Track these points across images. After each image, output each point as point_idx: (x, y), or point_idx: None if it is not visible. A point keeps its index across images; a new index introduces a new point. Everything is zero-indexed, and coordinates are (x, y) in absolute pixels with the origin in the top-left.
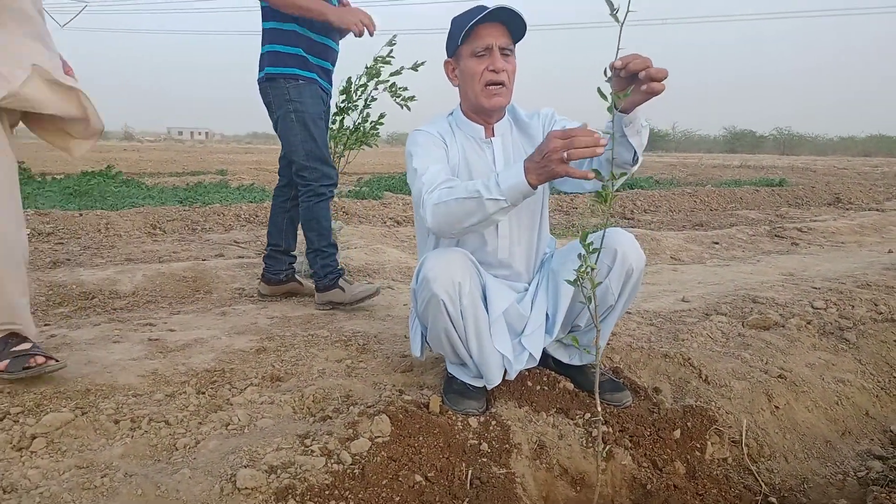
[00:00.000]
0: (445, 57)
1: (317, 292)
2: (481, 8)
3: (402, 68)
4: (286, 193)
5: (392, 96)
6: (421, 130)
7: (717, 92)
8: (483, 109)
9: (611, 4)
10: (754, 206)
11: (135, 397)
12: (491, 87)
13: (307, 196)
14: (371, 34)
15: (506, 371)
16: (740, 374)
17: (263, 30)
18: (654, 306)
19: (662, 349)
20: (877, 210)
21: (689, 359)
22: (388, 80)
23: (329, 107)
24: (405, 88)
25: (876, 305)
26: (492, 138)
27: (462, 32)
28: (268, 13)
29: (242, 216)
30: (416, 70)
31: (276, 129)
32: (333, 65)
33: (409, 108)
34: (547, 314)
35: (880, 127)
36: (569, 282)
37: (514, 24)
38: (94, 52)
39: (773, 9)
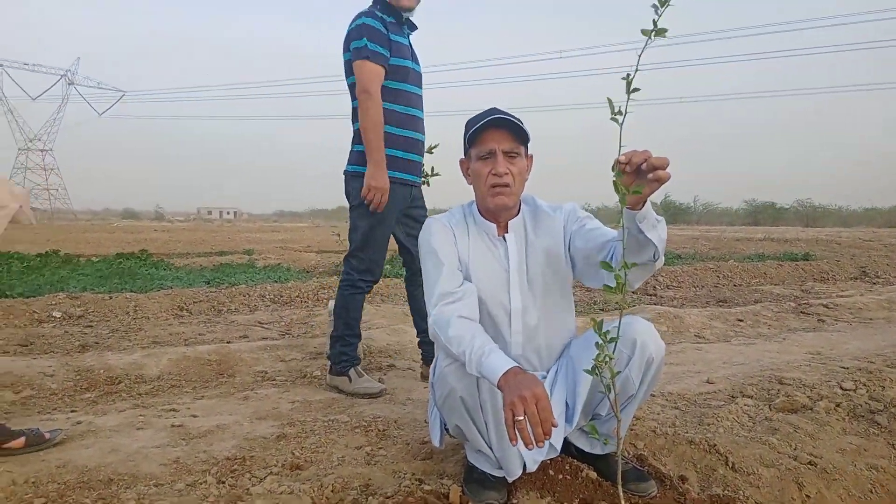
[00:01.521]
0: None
1: (328, 374)
2: (488, 112)
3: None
4: (417, 281)
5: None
6: (436, 220)
7: (737, 166)
8: (489, 210)
9: (612, 106)
10: (779, 282)
11: (156, 487)
12: (495, 189)
13: (345, 285)
14: (371, 211)
15: (525, 463)
16: (768, 461)
17: (354, 131)
18: (678, 388)
19: (688, 435)
20: None
21: (716, 445)
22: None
23: (413, 196)
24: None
25: None
26: (505, 235)
27: (471, 136)
28: (357, 115)
29: (267, 297)
30: (431, 153)
31: (349, 214)
32: (421, 154)
33: (429, 184)
34: (567, 403)
35: None
36: (587, 371)
37: (517, 129)
38: (130, 137)
39: (786, 87)
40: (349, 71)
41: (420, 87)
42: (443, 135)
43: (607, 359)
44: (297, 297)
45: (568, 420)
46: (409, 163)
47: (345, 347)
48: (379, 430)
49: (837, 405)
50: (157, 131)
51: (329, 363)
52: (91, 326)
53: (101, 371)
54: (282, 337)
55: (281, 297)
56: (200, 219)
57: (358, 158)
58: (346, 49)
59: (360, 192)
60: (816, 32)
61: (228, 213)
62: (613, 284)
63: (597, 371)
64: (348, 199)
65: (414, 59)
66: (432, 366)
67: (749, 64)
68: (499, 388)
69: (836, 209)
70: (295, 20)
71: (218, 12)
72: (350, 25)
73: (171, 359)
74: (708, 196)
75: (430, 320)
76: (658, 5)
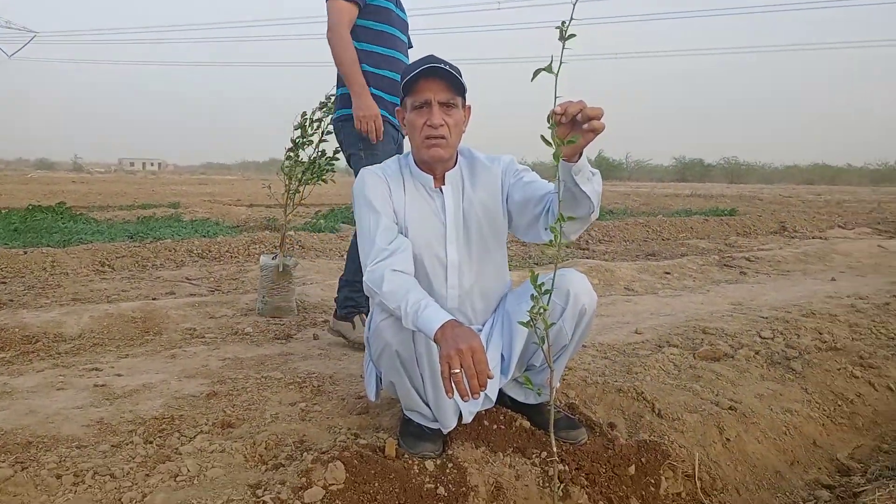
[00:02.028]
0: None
1: (332, 317)
2: (424, 60)
3: None
4: None
5: None
6: (370, 171)
7: (666, 123)
8: (424, 161)
9: (549, 69)
10: (704, 236)
11: (79, 449)
12: (430, 140)
13: None
14: (373, 140)
15: (461, 415)
16: (692, 407)
17: (338, 74)
18: (608, 339)
19: (616, 383)
20: (820, 238)
21: (643, 393)
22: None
23: (399, 144)
24: None
25: (820, 334)
26: (441, 187)
27: (405, 85)
28: None
29: (195, 252)
30: None
31: (348, 164)
32: None
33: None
34: (502, 354)
35: (822, 156)
36: (522, 323)
37: (454, 79)
38: (44, 82)
39: (715, 45)
40: None
41: (405, 35)
42: None
43: (541, 310)
44: (227, 252)
45: (503, 372)
46: (395, 105)
47: (353, 293)
48: (314, 387)
49: (756, 353)
50: (73, 76)
51: (335, 307)
52: (4, 283)
53: (16, 330)
54: (211, 293)
55: (209, 252)
56: (122, 170)
57: (344, 101)
58: None
59: (353, 135)
60: None
61: (152, 164)
62: (565, 240)
63: (531, 323)
64: (343, 148)
65: (398, 5)
66: (367, 320)
67: (678, 21)
68: (435, 341)
69: (759, 166)
70: None
71: None
72: None
73: (92, 316)
74: (639, 153)
75: (364, 275)
76: None
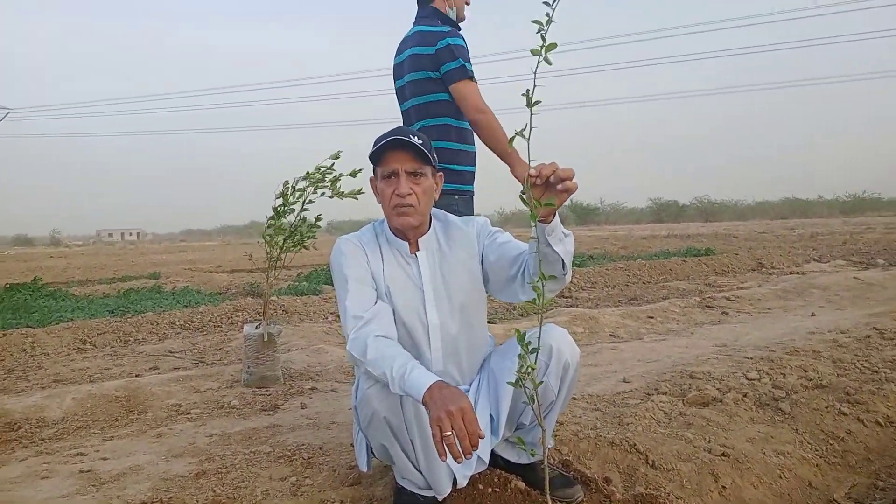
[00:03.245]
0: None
1: None
2: (391, 133)
3: (341, 175)
4: None
5: (337, 196)
6: (346, 240)
7: (638, 165)
8: (395, 228)
9: (522, 134)
10: (684, 277)
11: None
12: (399, 209)
13: None
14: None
15: (455, 479)
16: (685, 456)
17: (454, 150)
18: (597, 390)
19: (609, 436)
20: (797, 273)
21: (636, 444)
22: (327, 185)
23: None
24: (341, 192)
25: (805, 372)
26: (416, 253)
27: (372, 155)
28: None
29: (177, 323)
30: (354, 176)
31: None
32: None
33: (356, 198)
34: (491, 415)
35: (793, 190)
36: (511, 383)
37: (419, 150)
38: (19, 158)
39: (681, 88)
40: (424, 89)
41: None
42: None
43: (529, 369)
44: (210, 321)
45: (494, 432)
46: (473, 175)
47: None
48: (304, 459)
49: (744, 395)
50: (48, 151)
51: None
52: None
53: None
54: (195, 366)
55: (192, 322)
56: (101, 241)
57: (464, 178)
58: (427, 67)
59: (450, 207)
60: (699, 37)
61: (131, 234)
62: (531, 297)
63: (520, 382)
64: None
65: None
66: (353, 388)
67: (642, 69)
68: (423, 404)
69: (732, 204)
70: (199, 27)
71: (109, 20)
72: (434, 45)
73: (75, 398)
74: (613, 196)
75: (347, 344)
76: (542, 22)
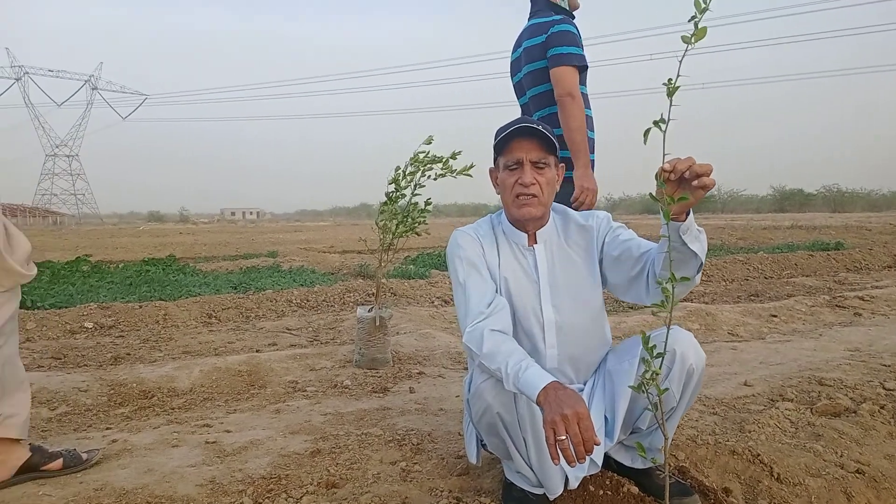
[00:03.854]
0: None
1: None
2: (516, 121)
3: (455, 154)
4: None
5: (451, 173)
6: (463, 232)
7: (760, 151)
8: (516, 219)
9: (659, 125)
10: (811, 272)
11: None
12: (521, 198)
13: None
14: (581, 207)
15: (567, 479)
16: (814, 471)
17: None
18: (716, 392)
19: (729, 443)
20: None
21: (759, 455)
22: (436, 167)
23: None
24: (457, 171)
25: None
26: (534, 245)
27: (497, 145)
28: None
29: (294, 301)
30: (455, 158)
31: None
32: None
33: (470, 176)
34: (605, 417)
35: None
36: (633, 388)
37: (546, 138)
38: (154, 141)
39: (800, 71)
40: (540, 78)
41: None
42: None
43: (654, 375)
44: (324, 301)
45: (608, 434)
46: (593, 164)
47: None
48: (413, 445)
49: (882, 407)
50: (180, 134)
51: None
52: (122, 336)
53: (134, 385)
54: (311, 343)
55: (307, 301)
56: (224, 220)
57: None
58: (541, 56)
59: (561, 196)
60: (831, 13)
61: (251, 213)
62: (658, 298)
63: (643, 388)
64: None
65: None
66: (466, 380)
67: (769, 48)
68: (538, 404)
69: (864, 193)
70: (316, 17)
71: (237, 11)
72: (546, 32)
73: (202, 370)
74: (731, 183)
75: (463, 337)
76: (698, 10)
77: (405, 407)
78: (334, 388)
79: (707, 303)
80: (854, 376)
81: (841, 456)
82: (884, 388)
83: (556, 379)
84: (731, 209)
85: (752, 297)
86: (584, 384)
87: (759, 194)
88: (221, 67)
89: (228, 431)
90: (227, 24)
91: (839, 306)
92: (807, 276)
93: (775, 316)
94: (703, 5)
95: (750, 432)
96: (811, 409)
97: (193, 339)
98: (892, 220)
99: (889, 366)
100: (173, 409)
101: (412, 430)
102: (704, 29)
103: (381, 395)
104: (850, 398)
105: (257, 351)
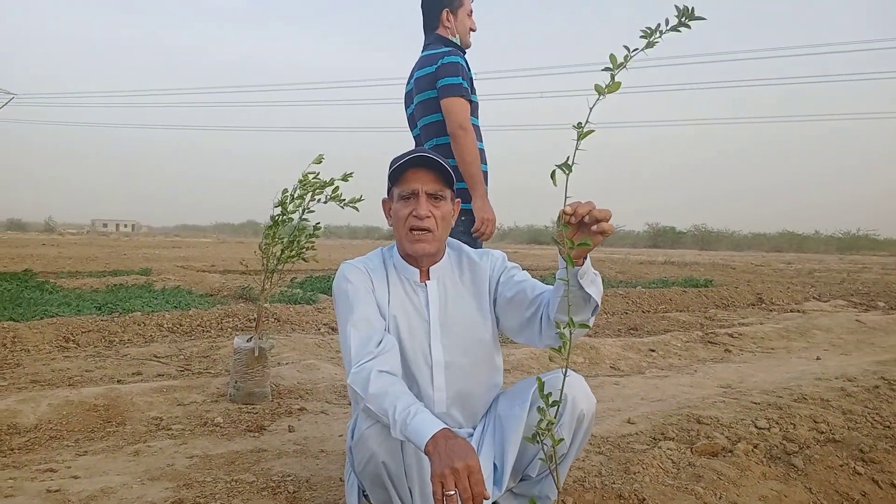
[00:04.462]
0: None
1: None
2: (413, 151)
3: (333, 179)
4: None
5: (337, 202)
6: (352, 265)
7: (637, 190)
8: (408, 254)
9: (565, 167)
10: (684, 308)
11: None
12: (415, 233)
13: None
14: (480, 241)
15: None
16: None
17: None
18: (601, 430)
19: (616, 485)
20: (798, 312)
21: (645, 499)
22: (327, 191)
23: None
24: (342, 197)
25: (816, 423)
26: (427, 282)
27: (392, 174)
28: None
29: (165, 326)
30: (347, 181)
31: None
32: None
33: (356, 209)
34: (495, 464)
35: (786, 224)
36: (528, 439)
37: (443, 170)
38: (21, 143)
39: (685, 117)
40: (430, 108)
41: None
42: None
43: (549, 424)
44: (199, 326)
45: (496, 483)
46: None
47: None
48: (289, 493)
49: (755, 447)
50: (51, 138)
51: None
52: None
53: None
54: (181, 374)
55: (180, 326)
56: (95, 231)
57: (460, 193)
58: (430, 87)
59: (458, 229)
60: (703, 67)
61: (126, 225)
62: (556, 343)
63: (538, 438)
64: None
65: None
66: (349, 426)
67: (643, 95)
68: (426, 453)
69: (728, 233)
70: (199, 25)
71: (118, 16)
72: (435, 63)
73: (51, 404)
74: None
75: (348, 378)
76: (613, 65)
77: (283, 448)
78: (204, 427)
79: (590, 335)
80: (728, 414)
81: (720, 498)
82: (756, 426)
83: (446, 426)
84: (610, 243)
85: (632, 331)
86: (474, 429)
87: (635, 230)
88: (98, 72)
89: (76, 477)
90: (97, 25)
91: (711, 342)
92: (680, 311)
93: (653, 350)
94: (621, 61)
95: (635, 473)
96: (691, 449)
97: (45, 367)
98: (753, 260)
99: (759, 404)
100: (12, 450)
101: (289, 475)
102: (619, 83)
103: (256, 434)
104: (727, 437)
105: (118, 381)
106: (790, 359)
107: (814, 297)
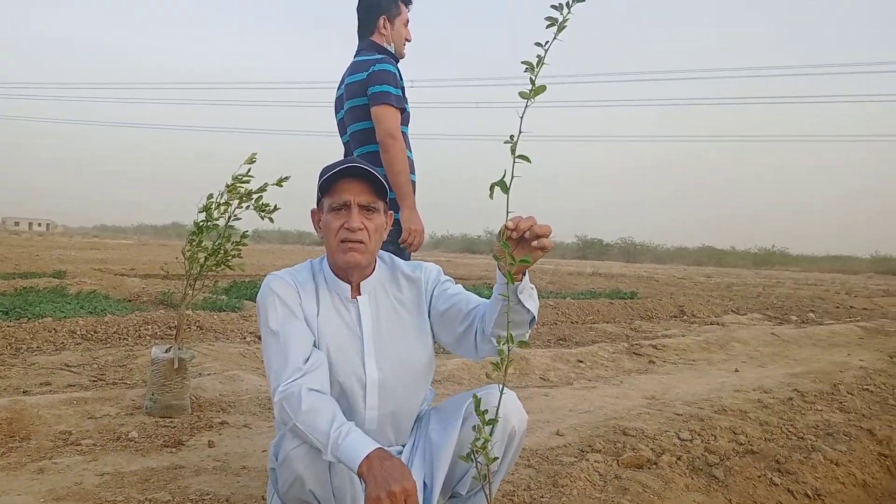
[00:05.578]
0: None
1: None
2: (345, 161)
3: (267, 184)
4: None
5: (258, 212)
6: (278, 277)
7: (563, 200)
8: (339, 267)
9: (502, 184)
10: (610, 319)
11: None
12: (346, 244)
13: None
14: (408, 252)
15: None
16: None
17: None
18: (530, 443)
19: (544, 500)
20: (718, 324)
21: None
22: (251, 198)
23: None
24: (267, 205)
25: (736, 435)
26: (358, 297)
27: (322, 184)
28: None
29: (78, 333)
30: (281, 185)
31: None
32: None
33: (272, 220)
34: (424, 482)
35: (706, 240)
36: (463, 458)
37: (377, 181)
38: None
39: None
40: (360, 115)
41: None
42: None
43: (485, 443)
44: (115, 333)
45: (426, 502)
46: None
47: None
48: None
49: (678, 458)
50: None
51: None
52: None
53: None
54: (94, 385)
55: (95, 333)
56: (6, 230)
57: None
58: (360, 93)
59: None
60: (641, 85)
61: (40, 224)
62: (489, 355)
63: (472, 457)
64: None
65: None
66: (272, 444)
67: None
68: (360, 475)
69: (653, 246)
70: (129, 19)
71: (39, 8)
72: (367, 70)
73: None
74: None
75: (275, 396)
76: (530, 70)
77: (202, 465)
78: (117, 442)
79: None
80: (653, 426)
81: None
82: (679, 438)
83: (379, 445)
84: None
85: (561, 341)
86: (403, 447)
87: (565, 241)
88: (16, 61)
89: None
90: (25, 17)
91: (636, 353)
92: (607, 322)
93: (581, 361)
94: (535, 66)
95: (563, 487)
96: (617, 461)
97: None
98: (676, 273)
99: (681, 415)
100: None
101: (207, 494)
102: (543, 86)
103: (173, 449)
104: (651, 449)
105: (24, 392)
106: (710, 370)
107: (732, 311)
